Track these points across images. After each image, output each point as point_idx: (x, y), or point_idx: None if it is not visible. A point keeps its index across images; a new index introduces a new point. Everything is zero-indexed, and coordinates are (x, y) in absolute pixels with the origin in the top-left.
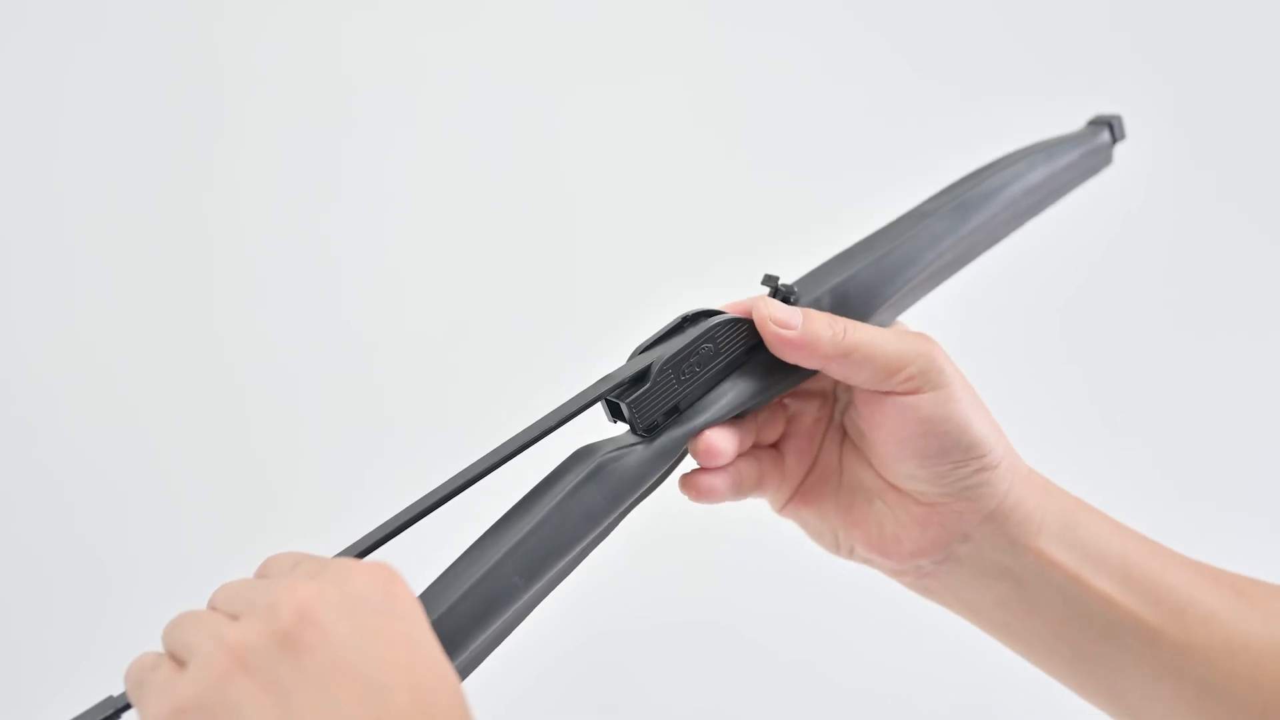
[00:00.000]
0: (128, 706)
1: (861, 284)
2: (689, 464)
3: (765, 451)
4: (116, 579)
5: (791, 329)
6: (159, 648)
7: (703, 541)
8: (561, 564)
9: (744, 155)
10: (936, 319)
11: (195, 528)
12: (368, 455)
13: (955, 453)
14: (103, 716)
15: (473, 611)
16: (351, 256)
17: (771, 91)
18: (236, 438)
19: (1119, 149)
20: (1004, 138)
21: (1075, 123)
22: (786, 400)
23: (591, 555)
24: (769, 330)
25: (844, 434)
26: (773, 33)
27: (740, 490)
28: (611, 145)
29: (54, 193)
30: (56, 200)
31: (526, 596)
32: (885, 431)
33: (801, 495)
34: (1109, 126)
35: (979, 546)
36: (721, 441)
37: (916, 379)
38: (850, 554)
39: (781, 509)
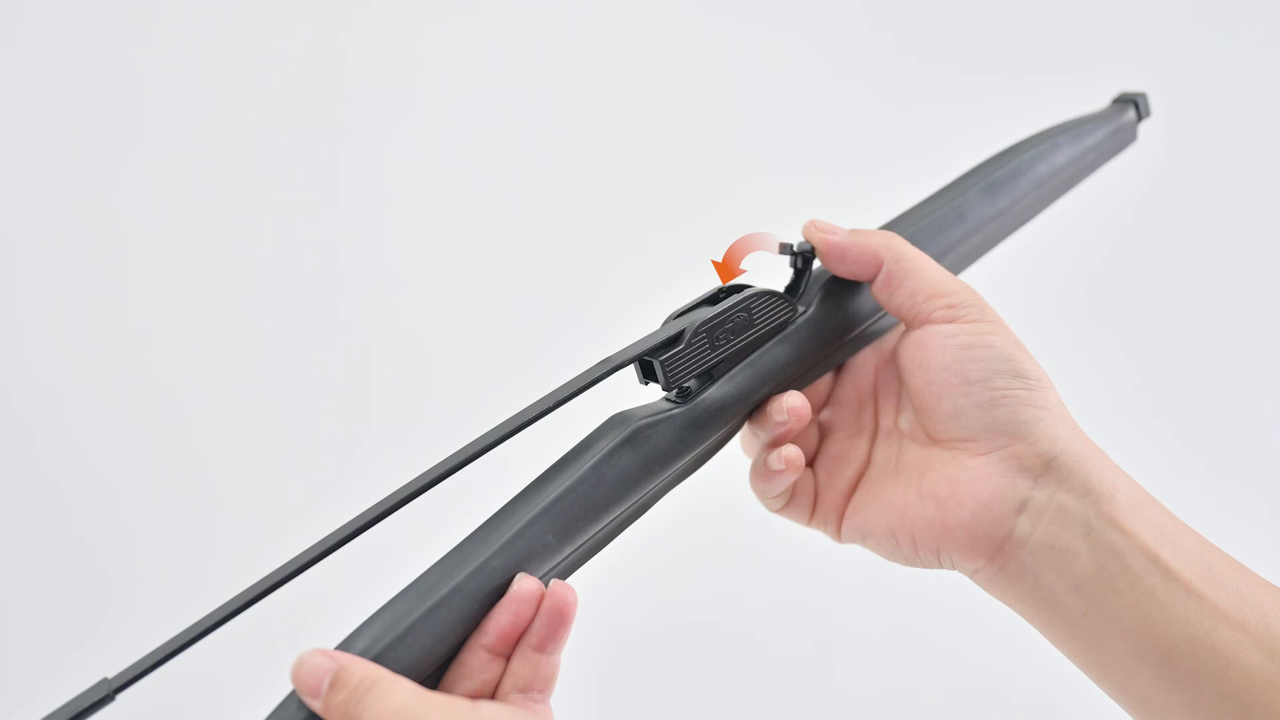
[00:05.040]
0: (120, 690)
1: None
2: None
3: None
4: (115, 576)
5: (836, 234)
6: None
7: (710, 543)
8: (595, 529)
9: (746, 152)
10: None
11: (196, 527)
12: (369, 455)
13: (999, 379)
14: (97, 697)
15: (506, 568)
16: (352, 254)
17: (775, 85)
18: (237, 437)
19: (1143, 126)
20: (1005, 126)
21: (1086, 105)
22: (822, 418)
23: (596, 557)
24: (813, 235)
25: (893, 423)
26: (775, 26)
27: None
28: (611, 141)
29: (54, 192)
30: (57, 200)
31: (558, 561)
32: (930, 362)
33: (853, 507)
34: (1134, 104)
35: (1048, 508)
36: (798, 400)
37: (958, 308)
38: (915, 550)
39: (839, 532)
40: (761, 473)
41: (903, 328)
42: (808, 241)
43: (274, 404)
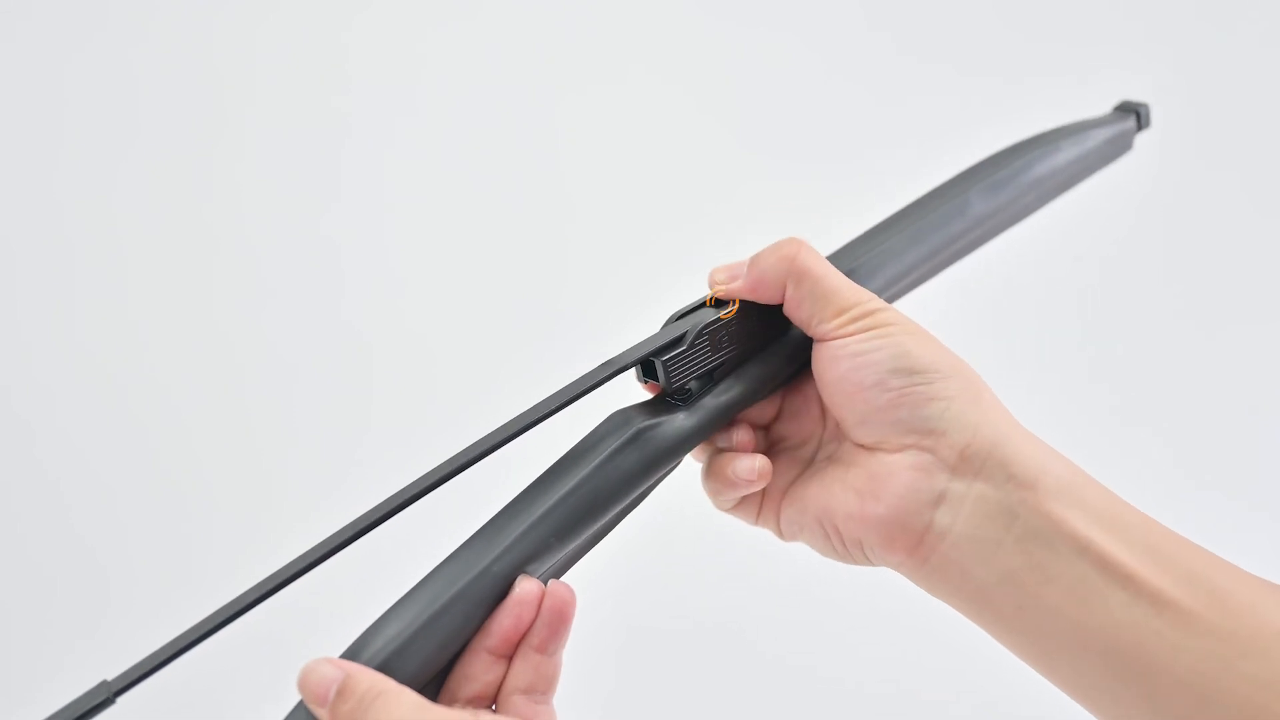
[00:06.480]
0: (120, 693)
1: (888, 255)
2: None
3: None
4: (115, 576)
5: (741, 278)
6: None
7: (704, 543)
8: (594, 528)
9: (746, 152)
10: (944, 303)
11: (196, 527)
12: (369, 455)
13: (893, 379)
14: (97, 700)
15: (508, 572)
16: (352, 254)
17: (775, 86)
18: (237, 437)
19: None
20: (1005, 126)
21: (1086, 106)
22: (772, 430)
23: (591, 555)
24: (721, 291)
25: (836, 424)
26: (775, 26)
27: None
28: (611, 141)
29: (54, 192)
30: (57, 200)
31: (555, 561)
32: (826, 376)
33: (787, 501)
34: (1136, 114)
35: (967, 498)
36: (746, 434)
37: (851, 322)
38: (842, 543)
39: (780, 529)
40: (728, 480)
41: None
42: (720, 295)
43: (274, 404)
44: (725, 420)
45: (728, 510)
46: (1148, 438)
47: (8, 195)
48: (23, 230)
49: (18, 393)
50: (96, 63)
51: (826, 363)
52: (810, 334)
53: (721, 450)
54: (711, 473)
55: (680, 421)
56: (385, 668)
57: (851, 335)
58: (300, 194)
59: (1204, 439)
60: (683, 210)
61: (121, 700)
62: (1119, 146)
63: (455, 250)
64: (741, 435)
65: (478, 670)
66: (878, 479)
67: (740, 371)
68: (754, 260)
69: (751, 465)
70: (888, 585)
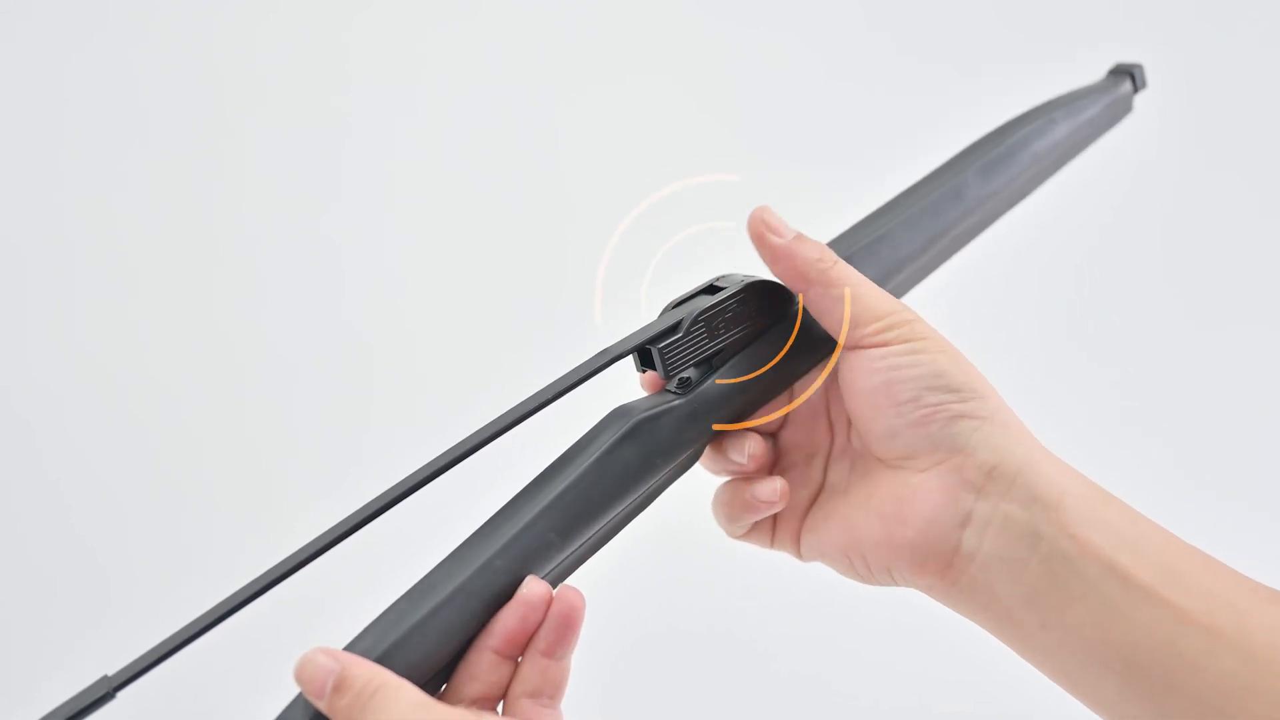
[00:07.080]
0: (120, 687)
1: (889, 246)
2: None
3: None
4: (115, 575)
5: (779, 236)
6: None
7: (718, 552)
8: (598, 525)
9: (746, 152)
10: (943, 295)
11: (196, 527)
12: (369, 454)
13: (929, 395)
14: (98, 695)
15: (509, 567)
16: (352, 254)
17: (775, 86)
18: (237, 437)
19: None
20: (1000, 107)
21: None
22: (778, 439)
23: (603, 554)
24: (755, 228)
25: (846, 440)
26: (775, 26)
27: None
28: (611, 141)
29: (54, 192)
30: (57, 199)
31: (562, 558)
32: (859, 385)
33: (808, 527)
34: (1130, 76)
35: (993, 519)
36: (759, 445)
37: (886, 331)
38: (868, 569)
39: (799, 552)
40: (747, 504)
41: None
42: (749, 227)
43: (274, 404)
44: (728, 410)
45: (739, 537)
46: (1147, 424)
47: (7, 195)
48: (23, 230)
49: (18, 393)
50: (97, 63)
51: (858, 373)
52: (838, 338)
53: (734, 464)
54: (726, 498)
55: (680, 411)
56: (384, 660)
57: (887, 345)
58: (300, 193)
59: (1205, 424)
60: (682, 210)
61: (122, 695)
62: (1117, 111)
63: (455, 250)
64: (754, 446)
65: (482, 670)
66: (904, 501)
67: (740, 358)
68: (799, 237)
69: (773, 487)
70: (903, 598)
